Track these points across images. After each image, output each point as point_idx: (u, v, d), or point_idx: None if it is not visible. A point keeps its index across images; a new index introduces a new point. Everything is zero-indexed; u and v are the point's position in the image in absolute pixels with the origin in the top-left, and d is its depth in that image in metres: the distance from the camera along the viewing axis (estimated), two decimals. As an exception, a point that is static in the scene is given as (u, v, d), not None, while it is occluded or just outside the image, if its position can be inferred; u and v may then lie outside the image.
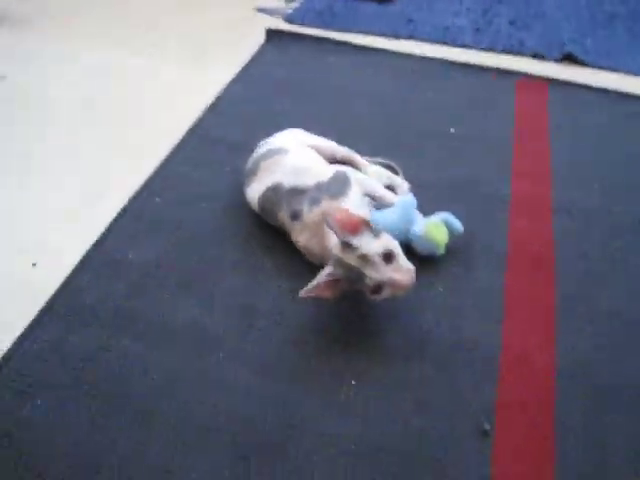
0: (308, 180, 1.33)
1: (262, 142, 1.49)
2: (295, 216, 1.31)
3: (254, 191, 1.40)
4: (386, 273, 1.13)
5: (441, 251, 1.34)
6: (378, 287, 1.14)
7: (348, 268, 1.14)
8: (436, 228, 1.31)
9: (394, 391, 1.11)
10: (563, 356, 1.17)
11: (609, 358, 1.17)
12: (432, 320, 1.23)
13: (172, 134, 1.70)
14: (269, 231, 1.39)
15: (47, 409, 1.04)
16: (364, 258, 1.13)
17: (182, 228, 1.41)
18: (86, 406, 1.06)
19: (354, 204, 1.27)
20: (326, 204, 1.26)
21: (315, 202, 1.29)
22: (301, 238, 1.31)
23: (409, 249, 1.32)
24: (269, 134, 1.49)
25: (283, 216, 1.34)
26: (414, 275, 1.14)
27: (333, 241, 1.19)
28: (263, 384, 1.11)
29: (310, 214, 1.28)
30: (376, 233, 1.16)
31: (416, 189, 1.46)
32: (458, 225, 1.34)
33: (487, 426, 1.05)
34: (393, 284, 1.13)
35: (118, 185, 1.54)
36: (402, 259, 1.15)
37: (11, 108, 1.83)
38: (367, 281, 1.13)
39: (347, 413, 1.07)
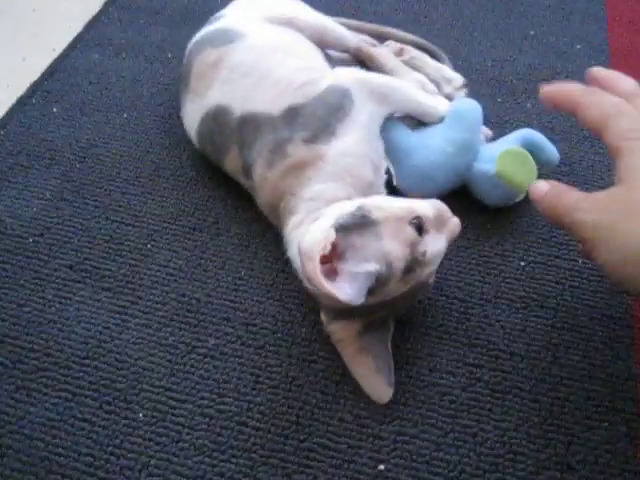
0: (274, 100, 0.71)
1: (212, 17, 0.86)
2: (247, 172, 0.74)
3: (189, 116, 0.80)
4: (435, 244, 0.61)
5: (521, 196, 0.79)
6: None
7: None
8: (515, 160, 0.66)
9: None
10: None
11: None
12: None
13: (84, 2, 1.12)
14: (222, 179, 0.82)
15: None
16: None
17: (85, 160, 0.86)
18: None
19: (351, 152, 0.67)
20: (297, 155, 0.67)
21: (279, 150, 0.68)
22: (262, 204, 0.73)
23: (465, 194, 0.77)
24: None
25: (232, 164, 0.76)
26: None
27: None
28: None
29: (270, 173, 0.69)
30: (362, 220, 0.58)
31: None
32: (551, 152, 0.77)
33: None
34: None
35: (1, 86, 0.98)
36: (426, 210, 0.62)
37: None
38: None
39: None
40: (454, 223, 0.63)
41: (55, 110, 0.93)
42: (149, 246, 0.75)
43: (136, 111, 0.92)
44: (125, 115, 0.91)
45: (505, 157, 0.66)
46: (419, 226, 0.60)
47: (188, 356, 0.66)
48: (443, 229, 0.62)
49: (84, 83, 0.97)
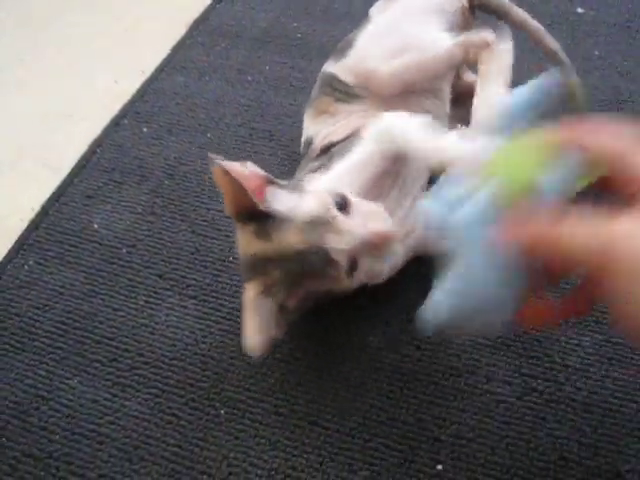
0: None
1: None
2: None
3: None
4: (357, 229, 0.62)
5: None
6: (353, 261, 0.63)
7: (284, 259, 0.63)
8: None
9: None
10: None
11: None
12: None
13: (170, 28, 1.21)
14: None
15: None
16: (311, 226, 0.61)
17: (173, 177, 0.94)
18: None
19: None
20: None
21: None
22: None
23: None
24: (317, 21, 0.96)
25: None
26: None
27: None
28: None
29: None
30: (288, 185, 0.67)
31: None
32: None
33: None
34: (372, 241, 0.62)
35: (94, 108, 1.07)
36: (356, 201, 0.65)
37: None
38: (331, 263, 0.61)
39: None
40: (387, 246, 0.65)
41: (145, 130, 1.01)
42: (230, 258, 0.83)
43: (218, 131, 0.99)
44: (209, 135, 0.99)
45: None
46: (341, 204, 0.63)
47: (265, 361, 0.73)
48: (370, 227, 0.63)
49: (171, 104, 1.05)
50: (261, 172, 0.65)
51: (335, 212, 0.62)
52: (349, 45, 0.82)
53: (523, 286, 0.46)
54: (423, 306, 0.49)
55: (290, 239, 0.62)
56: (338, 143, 0.76)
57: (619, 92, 0.99)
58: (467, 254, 0.47)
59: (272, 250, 0.63)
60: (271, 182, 0.65)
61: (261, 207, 0.62)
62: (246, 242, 0.65)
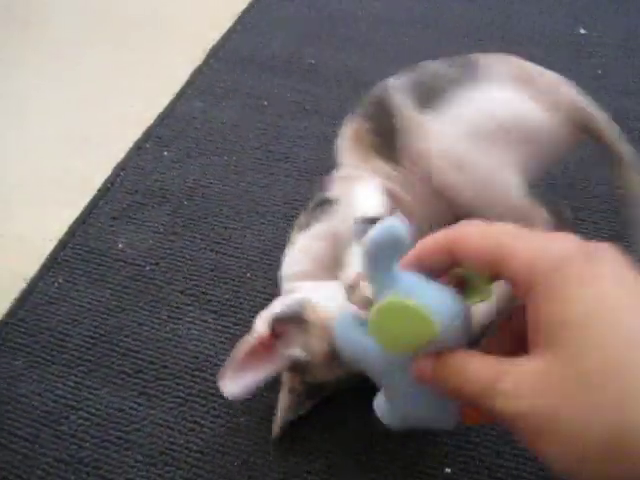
0: None
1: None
2: None
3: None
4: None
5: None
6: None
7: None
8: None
9: None
10: None
11: None
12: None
13: (188, 54, 1.26)
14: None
15: None
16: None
17: (193, 198, 0.99)
18: None
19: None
20: None
21: None
22: None
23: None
24: (329, 48, 1.01)
25: None
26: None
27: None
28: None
29: None
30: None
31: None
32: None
33: None
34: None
35: (115, 132, 1.13)
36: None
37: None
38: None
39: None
40: None
41: (165, 154, 1.06)
42: (248, 275, 0.87)
43: (236, 154, 1.04)
44: (226, 158, 1.04)
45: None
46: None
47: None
48: None
49: (189, 129, 1.10)
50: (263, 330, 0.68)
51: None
52: (441, 96, 0.71)
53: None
54: (374, 402, 0.50)
55: (323, 375, 0.68)
56: (327, 202, 0.74)
57: (624, 111, 1.03)
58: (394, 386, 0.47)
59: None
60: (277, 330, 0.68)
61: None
62: None
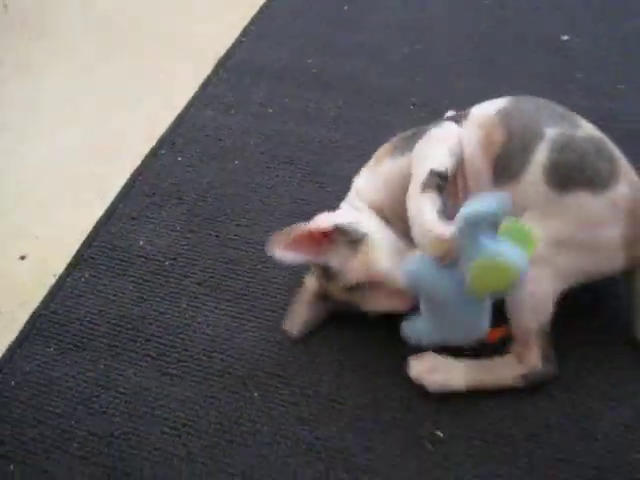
0: None
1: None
2: None
3: None
4: None
5: None
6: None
7: None
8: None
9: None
10: None
11: None
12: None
13: (198, 66, 1.35)
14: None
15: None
16: None
17: (206, 199, 1.08)
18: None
19: None
20: None
21: None
22: None
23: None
24: (331, 57, 1.10)
25: None
26: None
27: None
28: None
29: None
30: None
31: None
32: None
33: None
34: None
35: (132, 140, 1.22)
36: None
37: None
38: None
39: None
40: None
41: (179, 159, 1.15)
42: (259, 266, 0.96)
43: (244, 158, 1.13)
44: (236, 162, 1.13)
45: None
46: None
47: (291, 350, 0.86)
48: None
49: (201, 136, 1.19)
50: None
51: None
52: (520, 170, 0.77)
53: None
54: (405, 322, 0.73)
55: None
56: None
57: (602, 109, 1.11)
58: (442, 296, 0.69)
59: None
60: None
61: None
62: None
